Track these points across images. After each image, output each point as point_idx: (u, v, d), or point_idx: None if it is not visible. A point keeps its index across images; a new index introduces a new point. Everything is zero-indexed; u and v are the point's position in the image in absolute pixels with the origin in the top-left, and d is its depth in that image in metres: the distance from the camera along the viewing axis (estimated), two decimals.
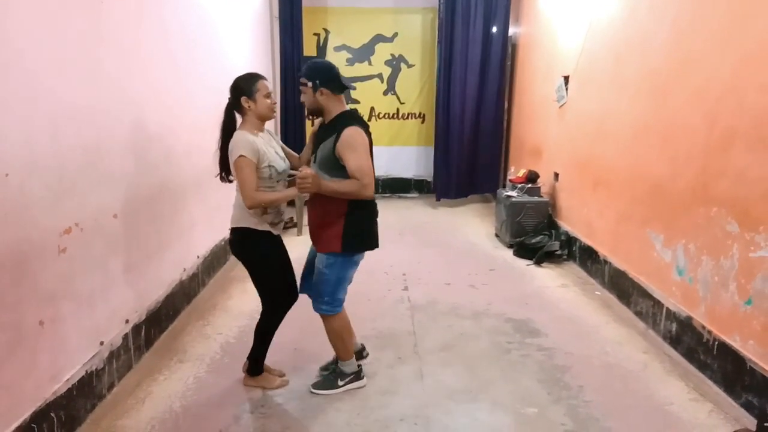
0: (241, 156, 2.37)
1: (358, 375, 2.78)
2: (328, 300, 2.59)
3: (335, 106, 2.50)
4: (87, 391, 2.45)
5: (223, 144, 2.52)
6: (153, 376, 2.87)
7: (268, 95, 2.52)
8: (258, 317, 2.75)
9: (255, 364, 2.78)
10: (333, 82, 2.45)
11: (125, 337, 2.81)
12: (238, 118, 2.56)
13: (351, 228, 2.49)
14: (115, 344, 2.72)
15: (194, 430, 2.44)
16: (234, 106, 2.53)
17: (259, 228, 2.54)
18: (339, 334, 2.68)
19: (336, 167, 2.43)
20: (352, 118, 2.49)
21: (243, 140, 2.40)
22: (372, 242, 2.61)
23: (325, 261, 2.54)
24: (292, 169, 2.68)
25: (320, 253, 2.58)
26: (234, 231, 2.60)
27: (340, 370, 2.77)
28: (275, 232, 2.61)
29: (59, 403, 2.23)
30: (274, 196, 2.47)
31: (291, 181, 2.64)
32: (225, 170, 2.57)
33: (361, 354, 2.94)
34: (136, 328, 2.94)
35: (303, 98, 2.53)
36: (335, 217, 2.49)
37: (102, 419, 2.47)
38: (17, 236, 1.98)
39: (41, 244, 2.12)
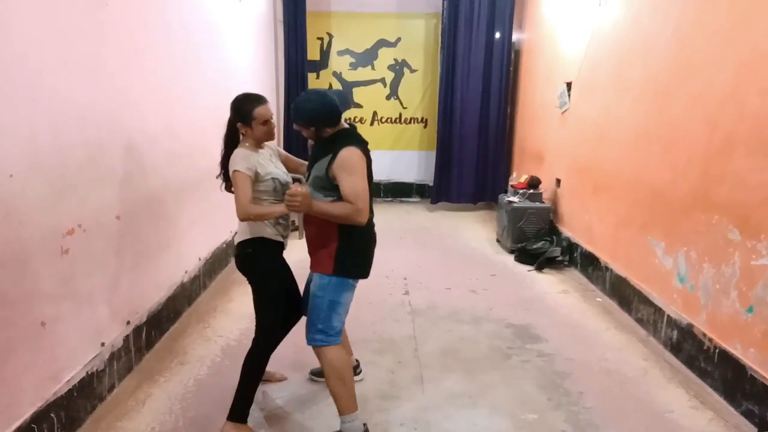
0: (236, 171, 2.36)
1: None
2: (322, 328, 2.31)
3: (335, 128, 2.34)
4: (87, 392, 2.45)
5: (225, 154, 2.52)
6: (153, 377, 2.87)
7: (265, 122, 2.44)
8: None
9: (240, 407, 2.43)
10: (334, 119, 2.30)
11: (126, 338, 2.82)
12: None
13: (345, 249, 2.31)
14: (116, 345, 2.72)
15: None
16: (234, 123, 2.50)
17: (270, 237, 2.50)
18: (338, 373, 2.32)
19: (328, 187, 2.28)
20: (350, 137, 2.31)
21: (240, 155, 2.40)
22: (365, 270, 2.42)
23: (318, 282, 2.35)
24: (295, 181, 2.65)
25: (313, 273, 2.40)
26: (240, 245, 2.51)
27: None
28: (283, 243, 2.60)
29: (59, 403, 2.23)
30: (265, 210, 2.41)
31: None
32: (227, 179, 2.54)
33: (354, 370, 2.80)
34: (137, 330, 2.94)
35: (304, 133, 2.39)
36: (330, 236, 2.32)
37: (102, 420, 2.48)
38: (20, 236, 1.99)
39: (44, 244, 2.13)
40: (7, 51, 1.92)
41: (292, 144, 6.92)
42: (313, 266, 2.40)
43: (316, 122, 2.29)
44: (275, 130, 2.57)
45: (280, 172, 2.56)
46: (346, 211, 2.21)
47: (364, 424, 2.40)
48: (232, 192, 2.56)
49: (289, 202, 2.17)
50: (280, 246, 2.58)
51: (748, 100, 2.62)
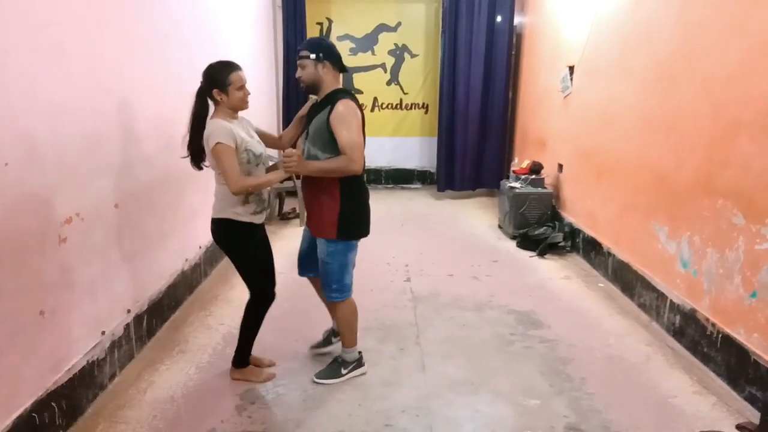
0: (218, 143, 2.32)
1: (359, 362, 2.81)
2: (336, 287, 2.62)
3: (332, 83, 2.52)
4: (88, 381, 2.45)
5: (193, 129, 2.45)
6: (154, 366, 2.87)
7: (241, 87, 2.44)
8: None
9: (240, 356, 2.74)
10: (335, 57, 2.51)
11: (127, 326, 2.81)
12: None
13: (346, 215, 2.51)
14: (117, 334, 2.72)
15: (195, 420, 2.44)
16: (206, 92, 2.44)
17: (240, 219, 2.51)
18: (349, 320, 2.72)
19: (329, 141, 2.42)
20: (346, 92, 2.52)
21: (218, 127, 2.35)
22: (365, 229, 2.65)
23: (326, 250, 2.57)
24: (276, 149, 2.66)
25: (317, 237, 2.59)
26: (215, 222, 2.57)
27: (342, 359, 2.78)
28: (257, 222, 2.59)
29: (60, 392, 2.23)
30: (260, 180, 2.44)
31: (273, 166, 2.64)
32: (196, 157, 2.51)
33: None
34: (138, 318, 2.94)
35: (300, 73, 2.50)
36: (329, 202, 2.50)
37: (103, 409, 2.48)
38: (17, 226, 1.97)
39: (41, 233, 2.11)
40: (2, 40, 1.89)
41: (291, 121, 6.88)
42: (315, 231, 2.60)
43: (321, 48, 2.46)
44: (249, 97, 2.54)
45: (255, 143, 2.53)
46: (341, 163, 2.39)
47: (359, 352, 2.82)
48: (200, 168, 2.53)
49: (286, 163, 2.31)
50: (249, 225, 2.55)
51: (754, 85, 2.57)
